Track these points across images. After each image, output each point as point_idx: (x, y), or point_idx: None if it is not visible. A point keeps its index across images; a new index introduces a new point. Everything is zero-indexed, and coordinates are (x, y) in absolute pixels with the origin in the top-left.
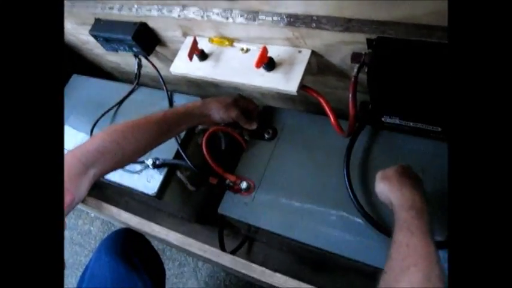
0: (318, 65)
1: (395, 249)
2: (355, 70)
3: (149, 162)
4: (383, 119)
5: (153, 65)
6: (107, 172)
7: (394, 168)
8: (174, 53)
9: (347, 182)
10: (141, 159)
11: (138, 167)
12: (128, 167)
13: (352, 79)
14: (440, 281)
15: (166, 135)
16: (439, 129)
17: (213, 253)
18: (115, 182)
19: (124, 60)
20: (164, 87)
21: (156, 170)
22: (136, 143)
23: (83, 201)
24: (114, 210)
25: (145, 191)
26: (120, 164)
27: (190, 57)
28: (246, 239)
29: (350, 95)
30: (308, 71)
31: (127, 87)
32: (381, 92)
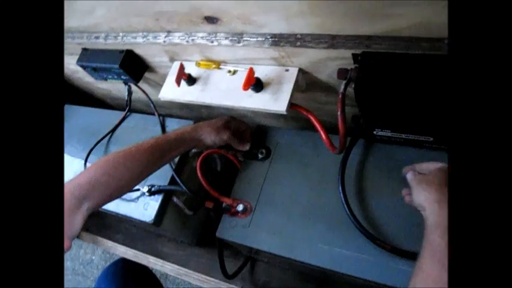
0: (306, 82)
1: (421, 280)
2: (342, 87)
3: (145, 189)
4: (375, 132)
5: (143, 91)
6: (102, 205)
7: (436, 170)
8: (164, 78)
9: (343, 199)
10: (136, 186)
11: (134, 194)
12: (124, 196)
13: (340, 96)
14: None
15: (159, 163)
16: (431, 139)
17: (210, 283)
18: (112, 211)
19: (115, 87)
20: (156, 113)
21: (152, 196)
22: (128, 173)
23: (78, 236)
24: (109, 244)
25: (143, 218)
26: (114, 196)
27: (178, 83)
28: (247, 259)
29: (338, 112)
30: (297, 88)
31: (119, 114)
32: (370, 106)
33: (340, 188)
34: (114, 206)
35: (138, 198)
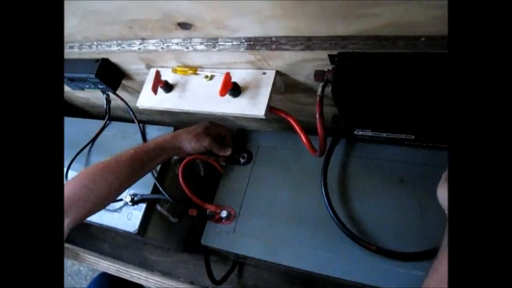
0: (284, 84)
1: (434, 280)
2: (319, 89)
3: (127, 199)
4: (355, 132)
5: (121, 99)
6: (83, 219)
7: None
8: (141, 85)
9: (326, 201)
10: (119, 197)
11: (117, 205)
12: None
13: (317, 99)
14: None
15: (139, 173)
16: (413, 136)
17: None
18: (96, 223)
19: (93, 95)
20: (135, 121)
21: (135, 206)
22: (108, 186)
23: None
24: (91, 259)
25: (127, 228)
26: (95, 209)
27: (155, 91)
28: (235, 264)
29: (317, 116)
30: (275, 91)
31: (99, 123)
32: (348, 107)
33: (323, 190)
34: (98, 217)
35: (121, 208)
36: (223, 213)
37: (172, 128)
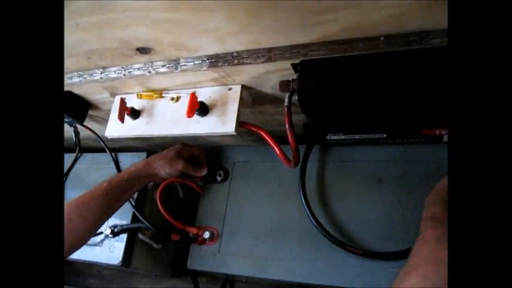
0: (252, 97)
1: (407, 259)
2: (286, 100)
3: (108, 231)
4: (328, 137)
5: (90, 129)
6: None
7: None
8: (109, 113)
9: (307, 210)
10: (98, 230)
11: (97, 238)
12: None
13: (285, 109)
14: (444, 282)
15: (115, 205)
16: (385, 135)
17: None
18: (78, 259)
19: None
20: (107, 150)
21: (116, 237)
22: (84, 222)
23: None
24: None
25: (110, 261)
26: (74, 248)
27: (121, 119)
28: (225, 282)
29: (287, 127)
30: (243, 105)
31: (71, 157)
32: (316, 113)
33: (302, 199)
34: (79, 253)
35: (102, 241)
36: (206, 235)
37: (145, 154)
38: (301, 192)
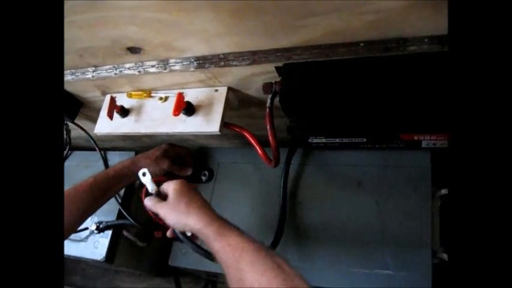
0: (238, 99)
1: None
2: (268, 101)
3: (93, 227)
4: (310, 140)
5: (81, 127)
6: None
7: (170, 196)
8: (99, 112)
9: (280, 212)
10: (84, 225)
11: (82, 234)
12: (72, 236)
13: (267, 110)
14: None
15: (100, 201)
16: (364, 139)
17: None
18: None
19: None
20: (96, 148)
21: (101, 233)
22: (69, 216)
23: None
24: None
25: (94, 257)
26: None
27: (110, 116)
28: (207, 283)
29: (268, 127)
30: (229, 107)
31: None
32: (298, 116)
33: (281, 199)
34: (64, 249)
35: (87, 237)
36: (189, 232)
37: (133, 153)
38: (282, 193)
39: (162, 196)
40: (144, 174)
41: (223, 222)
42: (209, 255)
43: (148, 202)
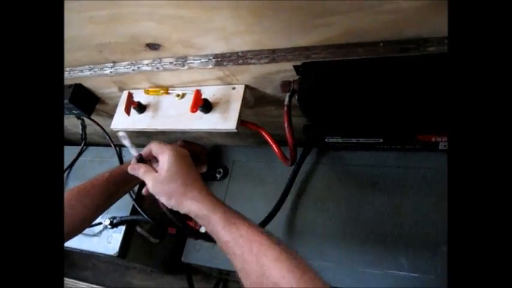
0: (254, 98)
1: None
2: (286, 99)
3: (106, 222)
4: (326, 140)
5: (97, 123)
6: None
7: (163, 167)
8: (115, 108)
9: (274, 207)
10: (97, 220)
11: (96, 229)
12: (85, 231)
13: (285, 108)
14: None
15: (115, 195)
16: (381, 140)
17: None
18: (75, 248)
19: (70, 122)
20: (112, 144)
21: (114, 229)
22: (84, 210)
23: None
24: (70, 283)
25: (107, 252)
26: (72, 233)
27: (128, 112)
28: (219, 281)
29: (285, 125)
30: (246, 105)
31: (76, 149)
32: (315, 115)
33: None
34: (77, 243)
35: (100, 232)
36: (203, 229)
37: None
38: (284, 190)
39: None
40: (124, 138)
41: (226, 208)
42: (205, 237)
43: (135, 167)
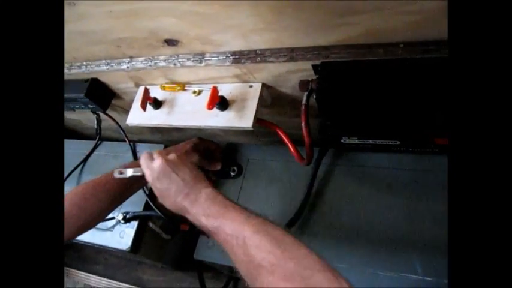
0: (271, 97)
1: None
2: (304, 98)
3: (119, 217)
4: (342, 141)
5: (112, 118)
6: (74, 237)
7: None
8: (131, 104)
9: (298, 206)
10: (110, 215)
11: (109, 223)
12: (98, 225)
13: (303, 107)
14: None
15: (129, 191)
16: (398, 142)
17: None
18: (87, 242)
19: (84, 116)
20: (126, 139)
21: (127, 224)
22: (99, 203)
23: None
24: (82, 275)
25: (119, 246)
26: (86, 227)
27: (144, 108)
28: (230, 279)
29: (303, 124)
30: (262, 103)
31: (90, 144)
32: (333, 115)
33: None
34: (90, 237)
35: (113, 226)
36: None
37: (162, 146)
38: (307, 191)
39: None
40: (120, 173)
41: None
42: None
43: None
